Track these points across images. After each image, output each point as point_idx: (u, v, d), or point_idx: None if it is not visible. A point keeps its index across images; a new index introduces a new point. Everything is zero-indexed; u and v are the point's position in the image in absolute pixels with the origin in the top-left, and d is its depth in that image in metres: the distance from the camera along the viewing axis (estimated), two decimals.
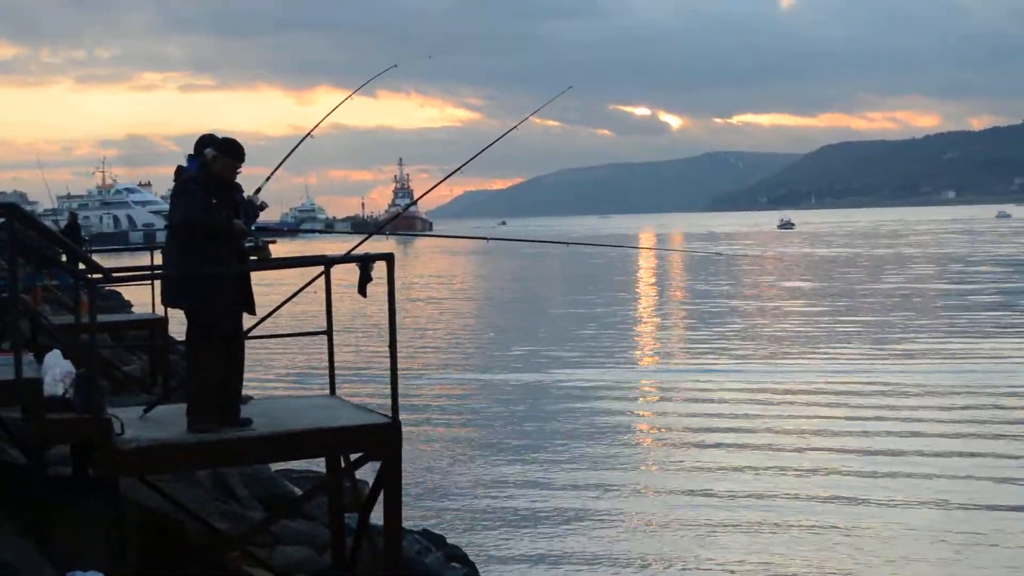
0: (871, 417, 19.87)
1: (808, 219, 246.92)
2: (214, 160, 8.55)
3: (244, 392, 10.39)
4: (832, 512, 14.13)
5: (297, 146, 11.88)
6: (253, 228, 9.20)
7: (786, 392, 22.83)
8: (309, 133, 12.05)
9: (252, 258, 8.81)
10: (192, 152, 9.30)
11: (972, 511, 14.02)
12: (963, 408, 20.46)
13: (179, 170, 9.16)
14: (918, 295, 46.76)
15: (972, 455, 16.79)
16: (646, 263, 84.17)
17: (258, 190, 10.20)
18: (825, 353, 28.94)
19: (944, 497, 14.57)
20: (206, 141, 9.30)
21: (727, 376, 25.16)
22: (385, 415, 8.64)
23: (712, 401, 22.13)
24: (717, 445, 18.02)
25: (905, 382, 23.58)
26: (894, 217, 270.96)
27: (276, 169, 11.33)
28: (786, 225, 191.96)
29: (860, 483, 15.50)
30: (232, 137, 8.73)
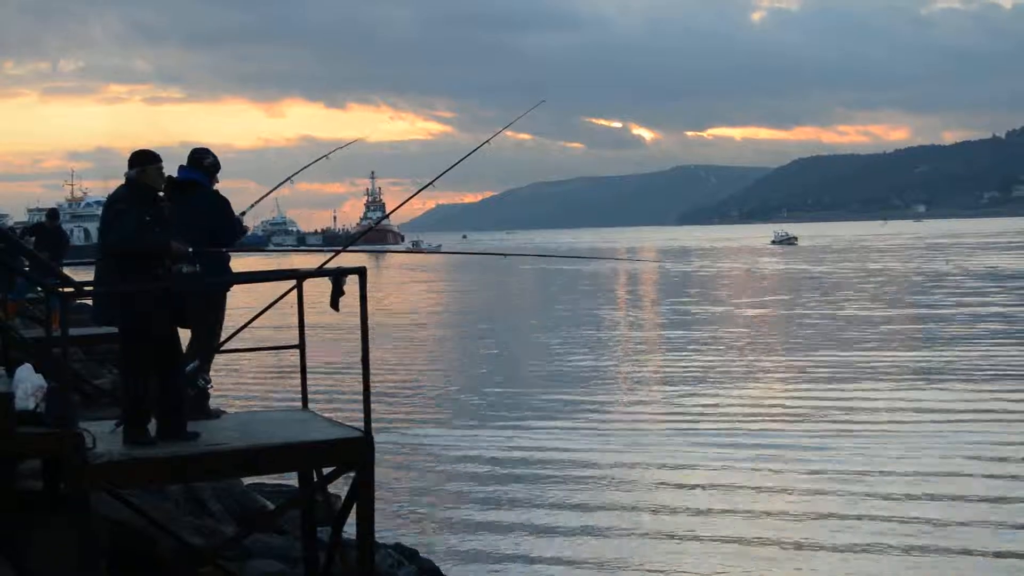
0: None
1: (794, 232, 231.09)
2: (142, 174, 8.51)
3: (217, 406, 10.42)
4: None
5: (312, 163, 11.94)
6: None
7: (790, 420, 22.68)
8: (326, 156, 12.20)
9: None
10: (185, 163, 9.63)
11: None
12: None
13: (171, 180, 9.44)
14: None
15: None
16: (605, 277, 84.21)
17: (243, 214, 10.35)
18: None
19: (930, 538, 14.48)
20: (198, 154, 9.63)
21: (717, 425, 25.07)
22: (358, 429, 8.64)
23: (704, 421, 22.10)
24: (702, 483, 17.92)
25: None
26: (894, 230, 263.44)
27: (274, 190, 11.33)
28: (784, 240, 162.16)
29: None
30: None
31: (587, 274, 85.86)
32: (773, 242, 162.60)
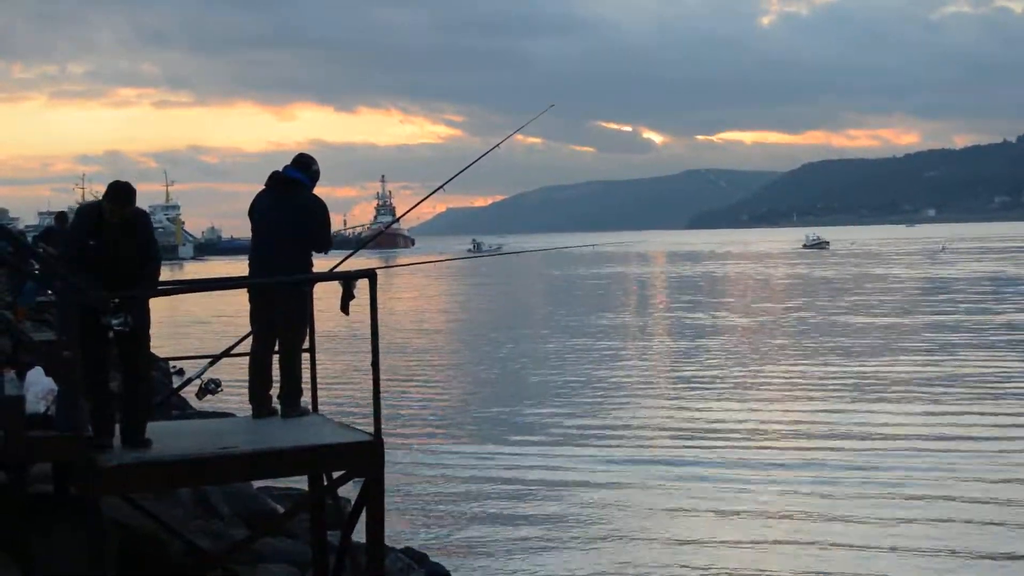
0: None
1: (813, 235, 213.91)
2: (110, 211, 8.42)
3: (227, 409, 10.41)
4: None
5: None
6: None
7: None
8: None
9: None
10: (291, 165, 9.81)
11: None
12: None
13: (276, 175, 9.66)
14: None
15: None
16: (631, 281, 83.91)
17: None
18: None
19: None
20: (306, 159, 10.09)
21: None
22: (368, 433, 8.64)
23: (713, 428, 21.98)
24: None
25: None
26: (918, 234, 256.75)
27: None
28: (817, 244, 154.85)
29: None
30: (120, 181, 8.58)
31: (630, 279, 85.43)
32: (805, 246, 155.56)
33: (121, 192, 8.44)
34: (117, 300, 8.13)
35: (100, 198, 8.55)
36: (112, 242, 8.32)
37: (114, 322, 8.06)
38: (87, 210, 8.59)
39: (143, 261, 8.49)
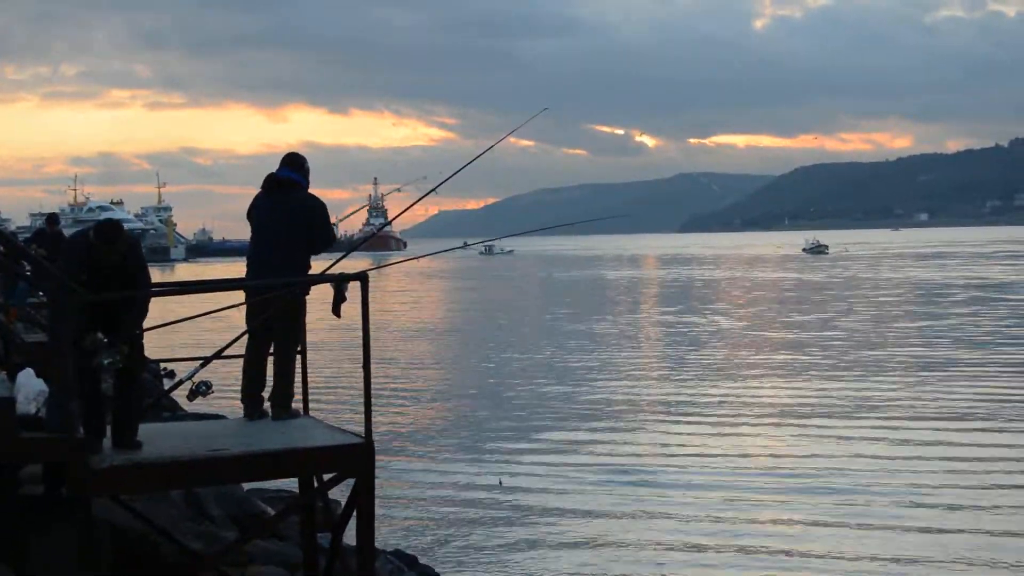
0: None
1: (795, 240, 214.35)
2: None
3: (218, 411, 10.40)
4: None
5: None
6: None
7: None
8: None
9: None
10: (283, 165, 9.77)
11: None
12: None
13: (271, 177, 9.61)
14: None
15: None
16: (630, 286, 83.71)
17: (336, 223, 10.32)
18: None
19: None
20: (297, 158, 10.01)
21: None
22: (358, 435, 8.65)
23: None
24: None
25: None
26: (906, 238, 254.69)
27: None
28: (816, 248, 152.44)
29: None
30: (107, 219, 8.58)
31: (655, 283, 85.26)
32: (805, 250, 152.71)
33: (108, 234, 8.35)
34: (106, 339, 8.13)
35: (89, 231, 8.49)
36: (101, 272, 8.33)
37: (106, 362, 8.05)
38: (76, 244, 8.53)
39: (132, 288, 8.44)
